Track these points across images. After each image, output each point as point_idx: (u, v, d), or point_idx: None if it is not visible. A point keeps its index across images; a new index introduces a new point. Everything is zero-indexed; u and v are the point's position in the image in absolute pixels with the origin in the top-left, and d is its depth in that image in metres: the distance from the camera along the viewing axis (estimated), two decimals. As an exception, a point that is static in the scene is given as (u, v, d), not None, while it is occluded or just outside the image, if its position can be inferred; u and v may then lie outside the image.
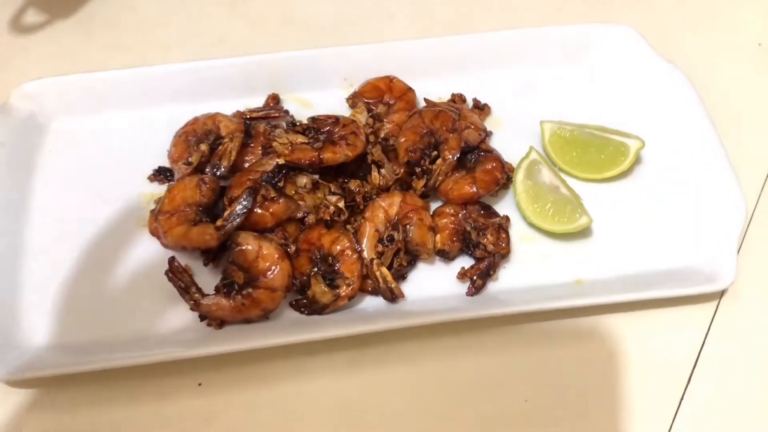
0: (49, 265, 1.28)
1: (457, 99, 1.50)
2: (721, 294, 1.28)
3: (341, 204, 1.28)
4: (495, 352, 1.21)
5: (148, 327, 1.23)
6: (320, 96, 1.52)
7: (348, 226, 1.30)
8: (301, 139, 1.31)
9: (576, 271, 1.29)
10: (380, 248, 1.24)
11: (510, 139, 1.45)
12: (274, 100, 1.51)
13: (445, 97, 1.52)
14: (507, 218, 1.32)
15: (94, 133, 1.45)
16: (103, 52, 1.65)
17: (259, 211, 1.25)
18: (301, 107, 1.52)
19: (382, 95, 1.48)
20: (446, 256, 1.28)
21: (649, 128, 1.42)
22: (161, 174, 1.42)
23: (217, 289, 1.22)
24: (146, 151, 1.44)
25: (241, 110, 1.46)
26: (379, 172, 1.32)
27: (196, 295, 1.20)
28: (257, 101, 1.52)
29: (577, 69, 1.56)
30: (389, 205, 1.27)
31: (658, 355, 1.22)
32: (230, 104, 1.48)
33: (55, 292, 1.25)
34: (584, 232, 1.31)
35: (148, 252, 1.32)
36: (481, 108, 1.50)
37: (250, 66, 1.51)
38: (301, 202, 1.29)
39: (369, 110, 1.45)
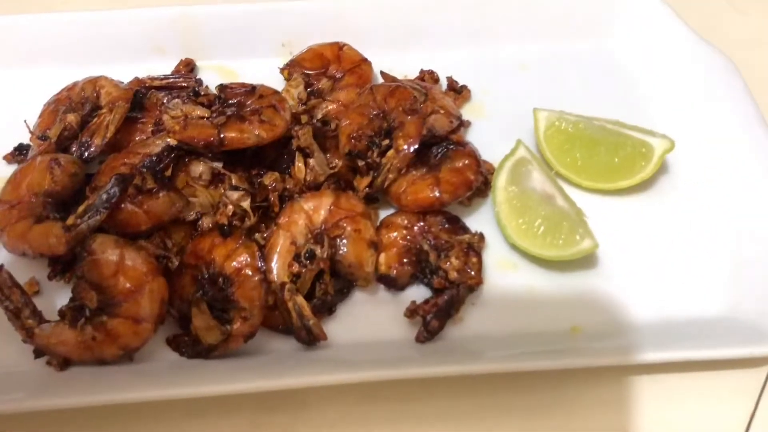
0: None
1: (427, 77, 1.20)
2: (775, 357, 0.99)
3: (245, 203, 0.94)
4: (457, 427, 0.92)
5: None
6: (250, 65, 1.23)
7: (257, 236, 0.96)
8: (199, 112, 0.99)
9: (572, 314, 1.00)
10: (296, 268, 0.94)
11: (494, 132, 1.17)
12: (187, 66, 1.20)
13: (413, 74, 1.22)
14: (480, 236, 1.02)
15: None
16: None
17: (130, 207, 0.94)
18: (224, 78, 1.20)
19: (327, 66, 1.18)
20: (392, 283, 1.00)
21: (680, 126, 1.16)
22: (22, 153, 1.11)
23: (62, 315, 0.91)
24: (8, 123, 1.13)
25: (141, 77, 1.15)
26: (305, 162, 0.97)
27: (30, 321, 0.91)
28: (166, 68, 1.20)
29: (587, 49, 1.28)
30: (314, 209, 0.97)
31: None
32: (131, 69, 1.18)
33: None
34: (586, 261, 1.03)
35: (-11, 257, 1.03)
36: (457, 90, 1.20)
37: (157, 21, 1.21)
38: (192, 199, 0.93)
39: (308, 85, 1.13)
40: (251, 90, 1.02)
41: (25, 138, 1.10)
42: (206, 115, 0.98)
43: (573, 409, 0.95)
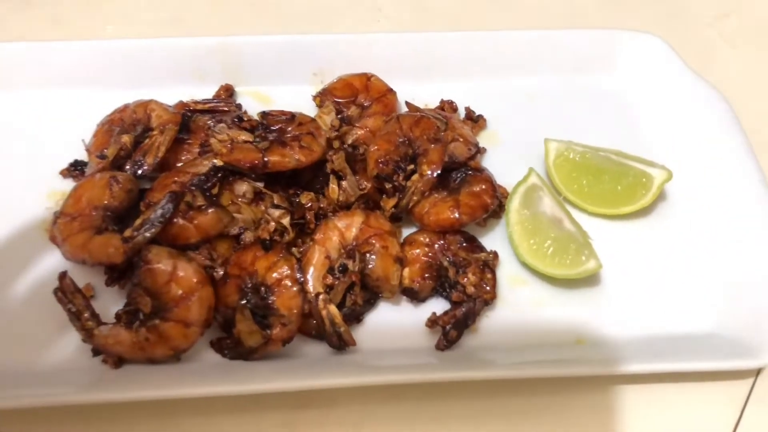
0: None
1: (447, 107, 1.26)
2: (758, 372, 1.05)
3: (285, 220, 1.02)
4: (467, 428, 0.98)
5: (26, 359, 1.00)
6: (283, 92, 1.29)
7: (294, 250, 1.04)
8: (244, 136, 1.06)
9: (577, 327, 1.07)
10: (330, 280, 1.02)
11: (507, 159, 1.23)
12: (227, 92, 1.27)
13: (433, 104, 1.29)
14: (495, 254, 1.09)
15: (-1, 112, 1.24)
16: (32, 22, 1.39)
17: (181, 222, 1.01)
18: (260, 103, 1.28)
19: (356, 95, 1.24)
20: (414, 296, 1.06)
21: (677, 157, 1.23)
22: (77, 168, 1.17)
23: (118, 317, 0.99)
24: (64, 140, 1.20)
25: (185, 101, 1.23)
26: (339, 184, 1.07)
27: (90, 323, 0.98)
28: (207, 92, 1.28)
29: (592, 82, 1.34)
30: (347, 227, 1.04)
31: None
32: (174, 93, 1.24)
33: None
34: (590, 280, 1.10)
35: (47, 264, 1.08)
36: (474, 120, 1.26)
37: (200, 50, 1.27)
38: (237, 215, 1.02)
39: (338, 112, 1.21)
40: (291, 118, 1.09)
41: (78, 154, 1.17)
42: (250, 139, 1.07)
43: (574, 413, 1.00)
